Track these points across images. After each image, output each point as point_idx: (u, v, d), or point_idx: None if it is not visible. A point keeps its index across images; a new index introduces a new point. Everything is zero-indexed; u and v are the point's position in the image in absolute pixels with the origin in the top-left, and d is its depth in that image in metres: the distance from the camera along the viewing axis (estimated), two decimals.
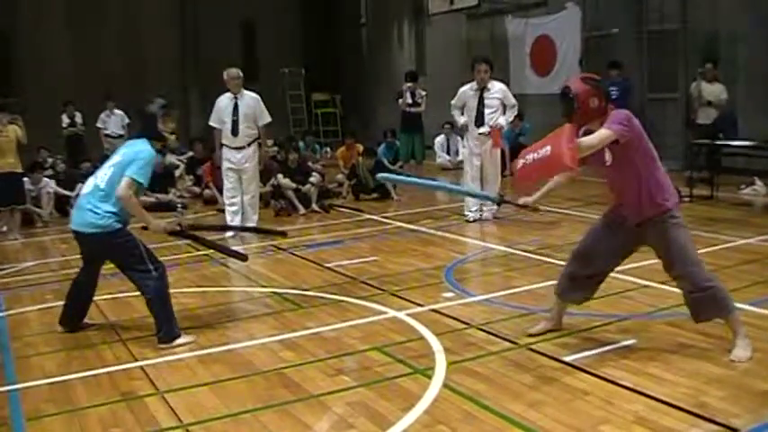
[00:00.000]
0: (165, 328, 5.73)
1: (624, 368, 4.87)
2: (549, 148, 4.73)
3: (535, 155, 4.81)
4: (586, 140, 4.79)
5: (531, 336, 5.59)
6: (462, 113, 10.62)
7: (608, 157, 4.94)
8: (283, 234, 7.71)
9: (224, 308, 6.88)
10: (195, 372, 5.23)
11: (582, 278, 5.38)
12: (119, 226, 5.74)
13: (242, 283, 7.86)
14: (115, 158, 5.87)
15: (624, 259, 5.41)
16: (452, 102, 10.78)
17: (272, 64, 23.72)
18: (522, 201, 5.72)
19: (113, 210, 5.70)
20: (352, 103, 25.29)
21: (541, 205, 6.07)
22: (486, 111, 10.41)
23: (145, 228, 6.08)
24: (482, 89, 10.46)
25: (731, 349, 5.01)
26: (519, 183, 5.29)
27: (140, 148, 5.81)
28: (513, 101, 10.59)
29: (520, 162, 4.98)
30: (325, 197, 12.59)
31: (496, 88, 10.53)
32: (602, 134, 4.80)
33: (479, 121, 10.45)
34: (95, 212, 5.69)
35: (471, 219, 10.62)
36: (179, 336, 5.76)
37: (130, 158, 5.73)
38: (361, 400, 4.62)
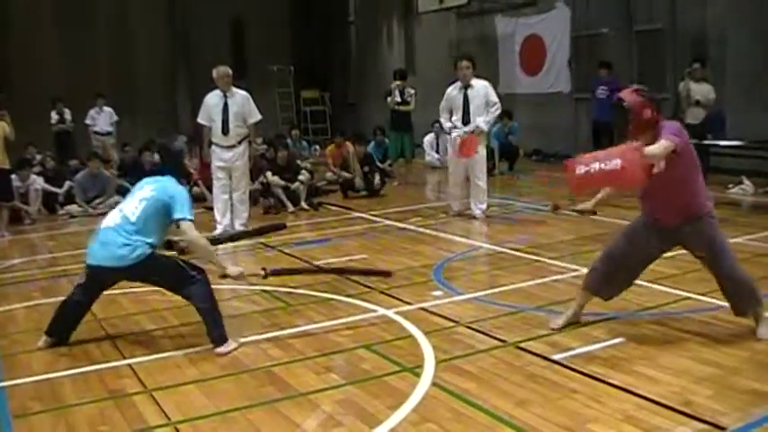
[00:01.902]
0: (219, 331, 5.58)
1: (612, 367, 4.88)
2: (618, 162, 4.75)
3: (602, 165, 4.81)
4: (651, 150, 4.84)
5: (552, 329, 5.64)
6: (451, 115, 10.62)
7: (662, 164, 4.97)
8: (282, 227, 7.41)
9: None
10: (183, 370, 5.22)
11: (618, 276, 5.53)
12: (151, 250, 5.59)
13: (230, 280, 7.82)
14: (145, 193, 5.71)
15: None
16: (441, 105, 10.77)
17: (261, 62, 23.70)
18: (580, 206, 5.81)
19: (149, 240, 5.56)
20: (341, 101, 25.30)
21: (531, 204, 6.10)
22: (472, 108, 10.40)
23: (224, 276, 5.93)
24: (466, 87, 10.47)
25: (756, 330, 5.30)
26: (576, 188, 5.17)
27: (174, 188, 5.72)
28: (495, 99, 10.53)
29: (581, 167, 4.93)
30: (314, 195, 12.59)
31: (480, 85, 10.52)
32: (665, 145, 4.89)
33: (466, 119, 10.43)
34: (128, 245, 5.49)
35: (455, 211, 10.80)
36: (228, 339, 5.64)
37: (166, 197, 5.62)
38: (350, 398, 4.62)
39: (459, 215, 10.73)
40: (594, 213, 6.01)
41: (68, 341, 5.84)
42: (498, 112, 10.69)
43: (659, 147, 4.87)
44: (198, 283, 5.61)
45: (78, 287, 5.86)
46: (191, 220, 5.63)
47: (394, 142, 15.05)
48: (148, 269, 5.60)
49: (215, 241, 7.32)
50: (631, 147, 4.87)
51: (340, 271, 7.50)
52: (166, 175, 5.89)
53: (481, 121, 10.39)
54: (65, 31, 21.28)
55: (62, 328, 5.83)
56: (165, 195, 5.65)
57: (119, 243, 5.51)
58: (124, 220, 5.60)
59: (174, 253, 6.11)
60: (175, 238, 6.12)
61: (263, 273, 6.26)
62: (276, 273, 6.47)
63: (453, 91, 10.58)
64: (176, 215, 5.60)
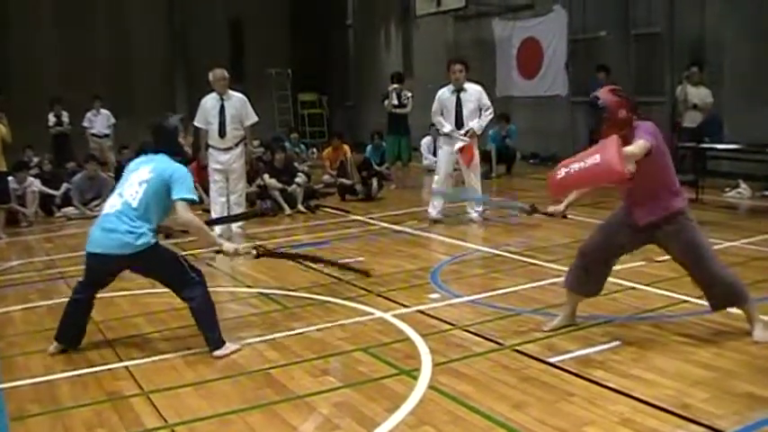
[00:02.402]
0: (215, 334, 5.51)
1: (609, 370, 4.89)
2: (597, 156, 4.82)
3: (582, 164, 4.88)
4: (629, 150, 4.90)
5: (545, 331, 5.68)
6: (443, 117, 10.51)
7: (632, 167, 5.00)
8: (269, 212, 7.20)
9: None
10: (181, 372, 5.22)
11: (596, 271, 5.58)
12: (155, 240, 5.50)
13: (228, 283, 7.84)
14: (142, 174, 5.54)
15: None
16: (433, 109, 10.64)
17: (260, 65, 23.71)
18: (551, 209, 5.85)
19: (151, 226, 5.46)
20: (339, 104, 25.31)
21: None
22: (465, 112, 10.30)
23: (218, 251, 5.81)
24: (459, 90, 10.37)
25: (751, 333, 5.34)
26: (556, 191, 5.25)
27: (174, 167, 5.57)
28: (488, 103, 10.45)
29: (561, 171, 5.01)
30: (311, 198, 12.59)
31: (473, 89, 10.43)
32: (641, 145, 4.97)
33: (459, 123, 10.33)
34: (132, 233, 5.36)
35: (434, 216, 10.59)
36: (225, 341, 5.56)
37: (166, 177, 5.48)
38: (347, 400, 4.62)
39: (437, 222, 10.55)
40: (565, 217, 6.04)
41: (79, 346, 5.72)
42: (491, 116, 10.60)
43: (637, 146, 4.95)
44: (197, 285, 5.54)
45: (79, 284, 5.75)
46: (189, 201, 5.51)
47: (391, 145, 15.04)
48: (150, 260, 5.50)
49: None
50: (608, 140, 4.92)
51: (328, 262, 7.33)
52: (161, 154, 5.71)
53: (475, 125, 10.32)
54: (63, 31, 21.28)
55: (72, 332, 5.70)
56: (165, 175, 5.51)
57: (122, 230, 5.39)
58: (125, 205, 5.46)
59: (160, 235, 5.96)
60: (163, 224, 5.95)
61: (254, 252, 6.21)
62: (268, 254, 6.42)
63: (446, 94, 10.49)
64: (174, 195, 5.47)
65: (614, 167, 4.74)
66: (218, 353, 5.46)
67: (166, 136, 5.81)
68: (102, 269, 5.60)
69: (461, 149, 10.35)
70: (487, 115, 10.46)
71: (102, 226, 5.48)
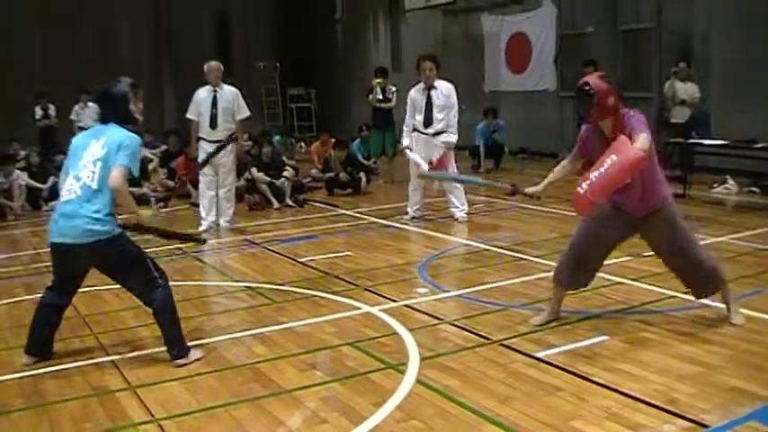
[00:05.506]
0: (179, 342, 5.28)
1: (596, 364, 4.90)
2: (614, 157, 4.86)
3: (601, 169, 4.89)
4: (639, 146, 4.91)
5: (532, 325, 5.68)
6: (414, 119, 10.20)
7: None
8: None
9: (197, 302, 6.83)
10: (167, 366, 5.19)
11: (587, 264, 5.61)
12: (120, 230, 5.18)
13: (215, 277, 7.82)
14: (95, 151, 5.10)
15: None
16: (406, 115, 10.32)
17: (247, 59, 23.64)
18: (528, 190, 5.84)
19: (112, 211, 5.11)
20: (327, 99, 25.27)
21: (515, 202, 6.12)
22: (435, 110, 10.01)
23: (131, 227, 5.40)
24: (429, 88, 10.10)
25: (729, 317, 5.57)
26: (588, 206, 5.07)
27: (123, 135, 5.17)
28: (456, 104, 10.11)
29: (582, 186, 4.96)
30: (299, 192, 12.57)
31: (444, 87, 10.12)
32: (645, 138, 4.98)
33: (428, 121, 10.04)
34: (94, 218, 4.98)
35: (410, 216, 10.48)
36: (190, 349, 5.34)
37: (115, 147, 5.11)
38: (334, 395, 4.62)
39: (414, 219, 10.42)
40: (539, 198, 6.01)
41: (53, 353, 5.47)
42: (456, 118, 10.16)
43: (643, 141, 4.95)
44: (160, 288, 5.25)
45: (48, 289, 5.42)
46: (128, 169, 5.09)
47: (376, 140, 14.99)
48: (113, 253, 5.13)
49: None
50: (617, 142, 4.95)
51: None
52: (111, 124, 5.25)
53: (451, 138, 10.00)
54: (50, 27, 21.11)
55: (43, 340, 5.40)
56: (115, 145, 5.08)
57: (84, 215, 5.00)
58: (85, 188, 5.05)
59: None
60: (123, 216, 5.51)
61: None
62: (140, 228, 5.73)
63: (416, 93, 10.23)
64: (116, 160, 5.04)
65: (638, 155, 4.83)
66: (180, 362, 5.22)
67: (115, 104, 5.33)
68: (65, 263, 5.25)
69: (431, 164, 9.97)
70: (454, 117, 10.10)
71: (62, 212, 5.11)
